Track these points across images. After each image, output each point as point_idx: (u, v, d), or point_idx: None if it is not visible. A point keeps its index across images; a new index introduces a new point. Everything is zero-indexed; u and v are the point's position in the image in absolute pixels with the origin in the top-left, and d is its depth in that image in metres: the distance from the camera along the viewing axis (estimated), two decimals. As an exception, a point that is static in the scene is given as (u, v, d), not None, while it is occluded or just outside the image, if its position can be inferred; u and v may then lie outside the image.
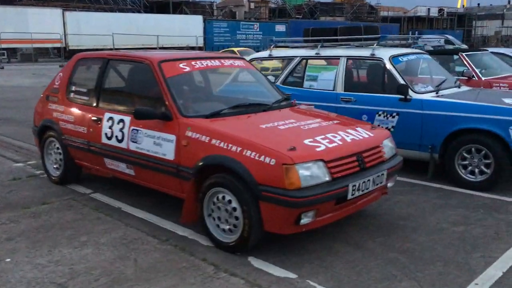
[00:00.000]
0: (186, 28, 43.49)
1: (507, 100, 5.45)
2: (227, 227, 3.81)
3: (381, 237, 4.15)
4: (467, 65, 8.45)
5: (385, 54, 6.05)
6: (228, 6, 60.99)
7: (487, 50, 9.81)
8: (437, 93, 5.80)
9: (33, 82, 19.95)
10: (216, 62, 4.77)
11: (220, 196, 3.79)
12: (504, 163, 5.15)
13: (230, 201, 3.72)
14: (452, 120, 5.39)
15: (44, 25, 34.75)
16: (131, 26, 38.97)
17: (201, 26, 46.12)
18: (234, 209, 3.70)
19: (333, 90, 6.31)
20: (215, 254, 3.80)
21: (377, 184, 3.98)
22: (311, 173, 3.53)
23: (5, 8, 34.54)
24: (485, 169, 5.28)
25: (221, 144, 3.75)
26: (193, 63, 4.58)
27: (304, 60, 6.74)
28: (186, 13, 49.53)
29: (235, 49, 29.33)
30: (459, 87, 6.23)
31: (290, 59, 6.91)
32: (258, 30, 52.52)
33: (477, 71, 8.34)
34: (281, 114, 4.48)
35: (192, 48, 39.86)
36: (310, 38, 7.15)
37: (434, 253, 3.85)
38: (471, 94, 5.96)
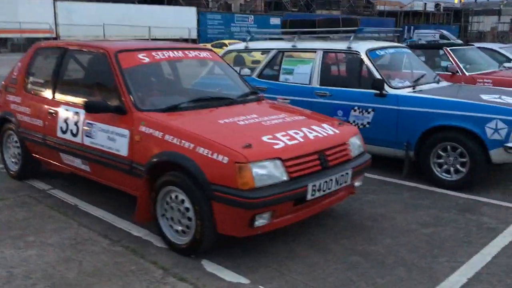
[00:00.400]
0: (180, 19, 43.11)
1: (485, 97, 5.25)
2: (180, 228, 3.60)
3: (345, 239, 3.96)
4: (452, 60, 8.23)
5: (362, 47, 5.83)
6: (223, -2, 60.49)
7: (473, 45, 9.60)
8: (414, 88, 5.59)
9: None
10: (179, 54, 4.55)
11: (173, 195, 3.58)
12: (480, 162, 4.96)
13: (183, 201, 3.52)
14: (428, 117, 5.19)
15: (35, 14, 34.28)
16: (124, 17, 38.54)
17: (194, 18, 45.74)
18: (187, 209, 3.50)
19: (309, 84, 6.09)
20: (167, 256, 3.60)
21: (340, 184, 3.78)
22: (267, 172, 3.32)
23: (-6, -4, 34.08)
24: (460, 168, 5.09)
25: (174, 140, 3.54)
26: (153, 54, 4.35)
27: (281, 53, 6.52)
28: (181, 5, 49.01)
29: (227, 41, 29.04)
30: (438, 83, 6.03)
31: (266, 51, 6.69)
32: (252, 22, 52.03)
33: (461, 66, 8.13)
34: (245, 108, 4.27)
35: (185, 40, 39.45)
36: (288, 30, 6.91)
37: (398, 256, 3.65)
38: (449, 90, 5.75)
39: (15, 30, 33.15)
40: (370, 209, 4.63)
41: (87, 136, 4.19)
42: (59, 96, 4.61)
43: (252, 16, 53.28)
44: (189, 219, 3.50)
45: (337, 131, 4.02)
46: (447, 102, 5.14)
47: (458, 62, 8.17)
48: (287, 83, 6.31)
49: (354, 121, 5.70)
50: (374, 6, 72.19)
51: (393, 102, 5.43)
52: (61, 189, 5.00)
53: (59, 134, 4.47)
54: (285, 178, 3.39)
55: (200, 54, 4.75)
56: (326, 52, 6.14)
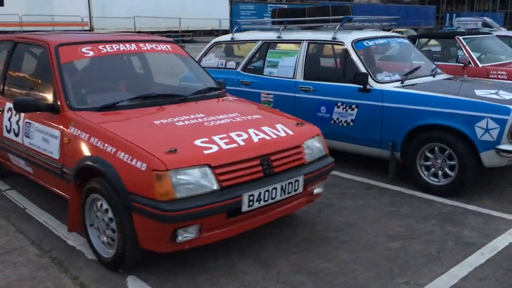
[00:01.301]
0: (212, 10, 42.75)
1: (479, 92, 4.70)
2: (106, 239, 3.28)
3: (299, 253, 3.54)
4: (464, 50, 7.61)
5: (347, 37, 5.35)
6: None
7: (492, 34, 8.89)
8: (402, 82, 5.08)
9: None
10: (132, 47, 4.20)
11: (99, 204, 3.26)
12: (470, 165, 4.44)
13: (106, 211, 3.19)
14: (414, 115, 4.69)
15: (69, 7, 34.62)
16: (156, 8, 38.49)
17: (227, 8, 45.33)
18: (111, 220, 3.16)
19: (293, 78, 5.65)
20: (93, 270, 3.29)
21: (289, 193, 3.37)
22: (192, 181, 2.95)
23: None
24: (449, 172, 4.58)
25: (98, 144, 3.21)
26: (100, 47, 4.02)
27: (266, 44, 6.09)
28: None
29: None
30: (434, 76, 5.48)
31: (252, 42, 6.28)
32: (285, 12, 51.26)
33: (474, 56, 7.50)
34: (194, 107, 3.89)
35: (216, 32, 39.14)
36: (277, 19, 6.47)
37: (350, 276, 3.22)
38: (442, 85, 5.20)
39: (47, 23, 33.53)
40: (340, 217, 4.19)
41: (26, 136, 3.92)
42: (6, 93, 4.35)
43: (286, 6, 52.37)
44: (113, 230, 3.17)
45: (291, 133, 3.60)
46: (434, 98, 4.62)
47: (470, 52, 7.54)
48: (271, 77, 5.89)
49: (337, 119, 5.24)
50: (415, -7, 69.96)
51: (378, 98, 4.94)
52: (19, 190, 4.76)
53: (5, 133, 4.23)
54: (215, 187, 3.01)
55: (157, 47, 4.39)
56: (311, 43, 5.69)
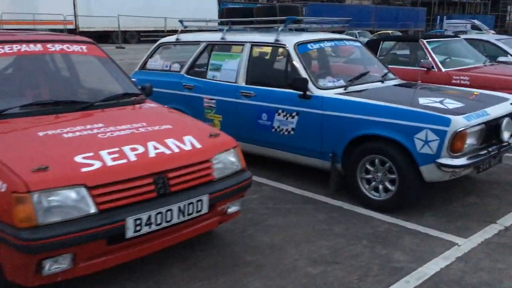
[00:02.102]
0: (200, 9, 42.22)
1: (423, 101, 4.35)
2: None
3: (204, 281, 3.17)
4: (427, 53, 7.25)
5: (291, 39, 4.98)
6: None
7: (459, 37, 8.54)
8: (346, 89, 4.72)
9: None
10: (37, 47, 3.81)
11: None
12: (410, 179, 4.08)
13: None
14: (354, 124, 4.34)
15: (53, 5, 34.05)
16: (145, 7, 37.82)
17: (215, 8, 44.85)
18: (-20, 246, 2.78)
19: (235, 83, 5.28)
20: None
21: (190, 214, 3.00)
22: (63, 203, 2.58)
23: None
24: (389, 186, 4.22)
25: (-35, 158, 2.82)
26: (-3, 47, 3.63)
27: (210, 46, 5.71)
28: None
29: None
30: (383, 82, 5.12)
31: (196, 44, 5.90)
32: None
33: (437, 61, 7.15)
34: (95, 115, 3.51)
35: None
36: (225, 20, 6.08)
37: (252, 310, 2.86)
38: (388, 92, 4.83)
39: (28, 21, 32.95)
40: (265, 236, 3.83)
41: None
42: None
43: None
44: (-17, 258, 2.79)
45: (198, 146, 3.23)
46: (374, 106, 4.26)
47: (434, 56, 7.19)
48: (214, 81, 5.51)
49: (278, 127, 4.88)
50: (407, -4, 69.73)
51: (318, 106, 4.58)
52: None
53: None
54: (92, 210, 2.64)
55: (69, 48, 4.00)
56: (254, 45, 5.31)
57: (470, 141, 3.97)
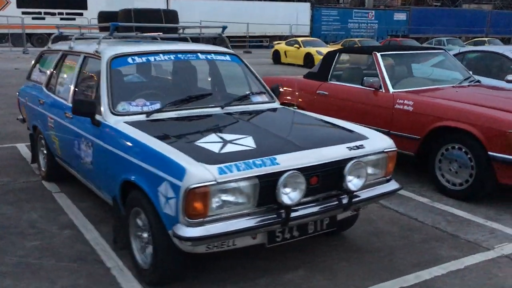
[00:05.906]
0: (291, 15, 41.22)
1: (209, 138, 3.19)
2: None
3: None
4: (378, 69, 5.82)
5: (107, 52, 4.01)
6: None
7: (443, 49, 6.87)
8: (148, 115, 3.66)
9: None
10: None
11: None
12: (163, 247, 2.97)
13: None
14: (123, 165, 3.30)
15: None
16: (239, 13, 37.33)
17: (308, 13, 43.56)
18: None
19: (67, 101, 4.41)
20: None
21: None
22: None
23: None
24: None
25: None
26: None
27: (64, 56, 4.90)
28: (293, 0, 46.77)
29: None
30: (222, 107, 3.96)
31: (56, 53, 5.11)
32: (373, 18, 48.47)
33: (386, 79, 5.69)
34: None
35: (286, 38, 37.46)
36: (102, 24, 5.18)
37: None
38: (199, 123, 3.69)
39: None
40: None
41: None
42: None
43: (373, 12, 49.50)
44: None
45: None
46: (138, 144, 3.18)
47: (384, 74, 5.74)
48: (56, 97, 4.69)
49: (84, 157, 3.95)
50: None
51: (103, 136, 3.59)
52: None
53: None
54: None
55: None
56: (87, 56, 4.40)
57: (226, 201, 2.77)
